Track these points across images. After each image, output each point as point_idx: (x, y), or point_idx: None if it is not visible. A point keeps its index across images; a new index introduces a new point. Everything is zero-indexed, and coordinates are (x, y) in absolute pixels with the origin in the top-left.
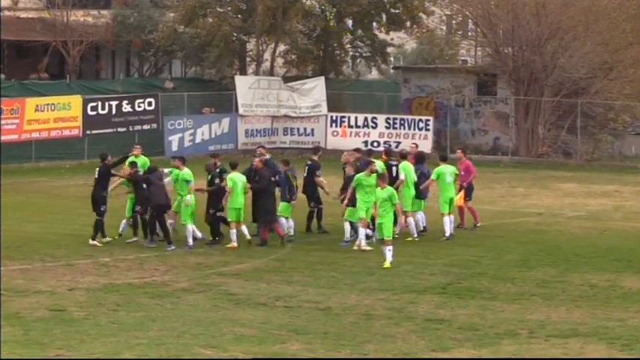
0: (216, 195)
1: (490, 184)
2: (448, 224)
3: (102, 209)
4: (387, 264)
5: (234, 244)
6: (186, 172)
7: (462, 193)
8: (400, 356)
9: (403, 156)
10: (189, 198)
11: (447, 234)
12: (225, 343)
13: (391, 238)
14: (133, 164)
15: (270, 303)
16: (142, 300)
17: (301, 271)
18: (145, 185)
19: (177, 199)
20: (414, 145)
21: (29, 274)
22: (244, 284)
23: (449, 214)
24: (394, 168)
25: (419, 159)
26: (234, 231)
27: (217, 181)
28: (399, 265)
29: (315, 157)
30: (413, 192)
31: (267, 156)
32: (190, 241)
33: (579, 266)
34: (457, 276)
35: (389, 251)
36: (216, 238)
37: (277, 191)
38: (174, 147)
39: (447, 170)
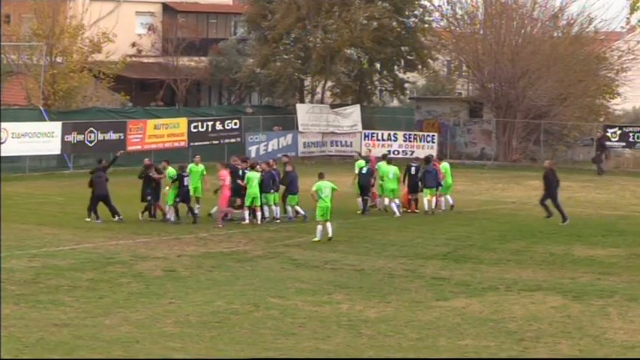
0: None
1: (477, 181)
2: (395, 207)
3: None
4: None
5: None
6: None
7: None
8: (413, 303)
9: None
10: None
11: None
12: (289, 294)
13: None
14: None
15: (321, 266)
16: (229, 263)
17: (343, 243)
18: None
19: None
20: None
21: (149, 245)
22: (303, 252)
23: (393, 199)
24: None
25: (426, 160)
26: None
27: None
28: (414, 239)
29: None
30: (392, 185)
31: (289, 167)
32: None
33: (542, 240)
34: (454, 247)
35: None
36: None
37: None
38: (253, 155)
39: (391, 169)
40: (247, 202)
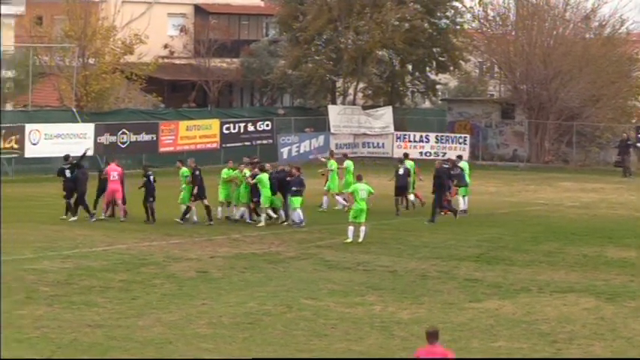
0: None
1: (510, 183)
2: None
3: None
4: None
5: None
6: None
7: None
8: (446, 305)
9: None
10: None
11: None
12: (321, 296)
13: None
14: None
15: (353, 267)
16: (262, 265)
17: (376, 244)
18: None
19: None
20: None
21: (182, 246)
22: (335, 253)
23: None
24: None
25: (453, 161)
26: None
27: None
28: (446, 240)
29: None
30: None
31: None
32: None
33: (574, 241)
34: (487, 248)
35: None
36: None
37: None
38: (285, 156)
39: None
40: (266, 204)
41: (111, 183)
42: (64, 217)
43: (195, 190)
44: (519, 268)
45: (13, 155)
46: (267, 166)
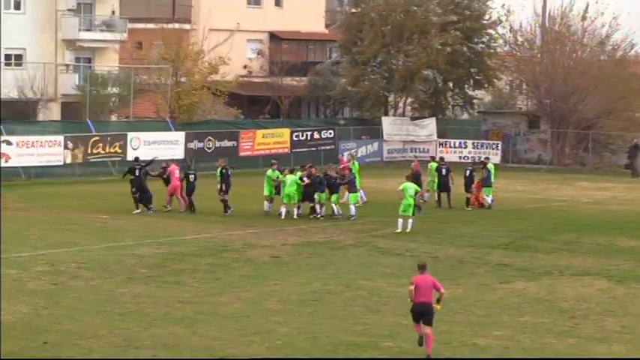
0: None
1: (535, 183)
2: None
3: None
4: None
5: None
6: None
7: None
8: (479, 286)
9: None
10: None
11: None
12: (375, 277)
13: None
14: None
15: (402, 253)
16: (325, 251)
17: (421, 234)
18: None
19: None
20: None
21: (258, 235)
22: (387, 242)
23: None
24: (443, 169)
25: (482, 163)
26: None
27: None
28: (480, 231)
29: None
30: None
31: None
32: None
33: (590, 232)
34: (515, 238)
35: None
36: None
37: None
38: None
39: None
40: (285, 200)
41: (174, 180)
42: (137, 211)
43: (223, 187)
44: (543, 254)
45: (117, 159)
46: (313, 169)
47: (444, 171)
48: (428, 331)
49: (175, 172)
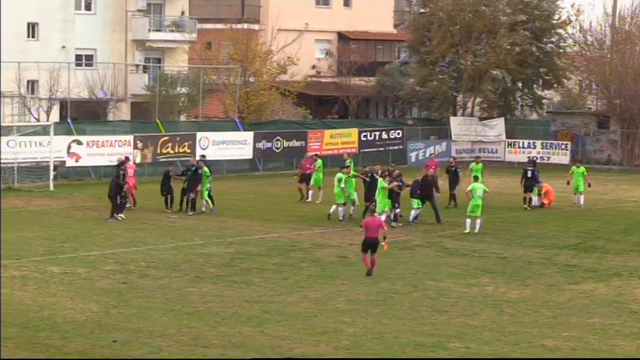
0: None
1: (604, 183)
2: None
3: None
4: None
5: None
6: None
7: None
8: (547, 286)
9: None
10: None
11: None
12: (442, 278)
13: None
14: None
15: (469, 254)
16: (392, 251)
17: (489, 234)
18: None
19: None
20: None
21: (325, 235)
22: (454, 242)
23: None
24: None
25: (534, 164)
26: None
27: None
28: (549, 232)
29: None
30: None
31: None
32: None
33: None
34: (584, 238)
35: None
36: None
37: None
38: (413, 160)
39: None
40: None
41: (131, 178)
42: (190, 213)
43: (191, 185)
44: (612, 255)
45: (186, 158)
46: (376, 167)
47: (529, 173)
48: (374, 257)
49: (130, 170)
